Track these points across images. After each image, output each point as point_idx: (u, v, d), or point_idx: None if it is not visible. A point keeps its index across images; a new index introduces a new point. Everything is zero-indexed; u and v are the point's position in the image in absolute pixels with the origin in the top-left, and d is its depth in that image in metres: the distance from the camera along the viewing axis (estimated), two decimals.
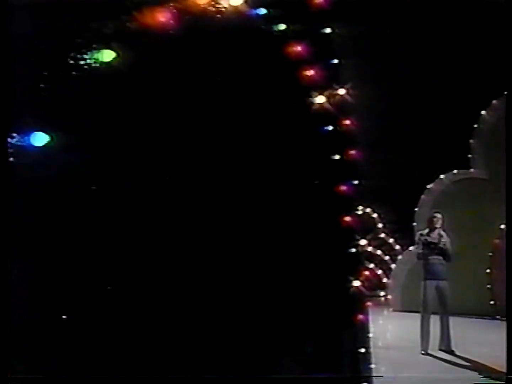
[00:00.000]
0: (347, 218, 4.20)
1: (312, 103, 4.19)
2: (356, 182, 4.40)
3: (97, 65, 3.44)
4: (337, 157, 4.26)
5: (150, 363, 3.40)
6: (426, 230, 9.31)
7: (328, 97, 4.31)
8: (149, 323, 3.44)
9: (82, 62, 3.45)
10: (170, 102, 3.65)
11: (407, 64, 14.79)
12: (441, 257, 9.04)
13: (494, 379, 6.45)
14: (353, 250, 4.25)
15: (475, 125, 14.46)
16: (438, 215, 9.32)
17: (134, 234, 3.51)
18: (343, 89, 4.55)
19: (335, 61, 4.56)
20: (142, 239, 3.52)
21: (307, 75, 4.14)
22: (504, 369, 6.47)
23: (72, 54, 3.44)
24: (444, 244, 9.04)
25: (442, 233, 9.12)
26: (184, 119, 3.68)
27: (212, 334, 3.53)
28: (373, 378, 4.34)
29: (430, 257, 9.06)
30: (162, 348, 3.44)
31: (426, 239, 9.13)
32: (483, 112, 14.33)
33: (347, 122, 4.48)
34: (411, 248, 9.91)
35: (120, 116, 3.53)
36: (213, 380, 3.45)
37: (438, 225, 9.16)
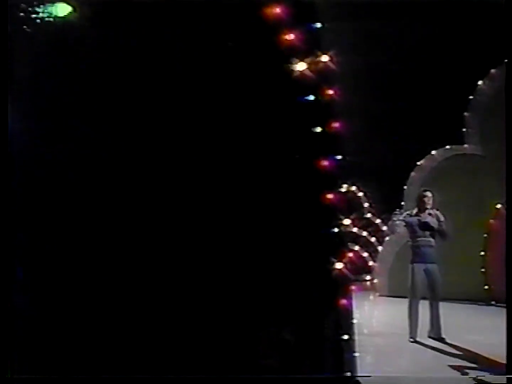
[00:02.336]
0: (330, 196, 4.24)
1: (292, 71, 4.19)
2: (339, 157, 4.42)
3: None
4: (318, 129, 4.28)
5: (143, 360, 3.52)
6: (415, 210, 9.33)
7: (309, 64, 4.31)
8: (139, 321, 3.56)
9: None
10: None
11: (398, 28, 14.68)
12: (431, 239, 9.09)
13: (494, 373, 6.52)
14: (336, 230, 4.28)
15: (471, 97, 14.40)
16: (429, 194, 9.30)
17: (120, 231, 3.64)
18: (326, 55, 4.54)
19: (318, 24, 4.55)
20: (125, 237, 3.65)
21: (286, 40, 4.14)
22: (498, 359, 6.63)
23: None
24: (441, 225, 9.07)
25: (437, 212, 9.14)
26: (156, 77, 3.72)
27: (191, 314, 3.62)
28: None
29: (419, 239, 9.09)
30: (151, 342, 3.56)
31: (419, 220, 9.14)
32: (479, 83, 14.24)
33: (330, 91, 4.49)
34: (398, 230, 9.94)
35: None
36: (213, 380, 3.55)
37: (429, 205, 9.17)
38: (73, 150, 3.85)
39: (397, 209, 9.81)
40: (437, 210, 9.20)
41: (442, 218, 9.10)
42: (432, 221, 9.09)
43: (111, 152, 3.87)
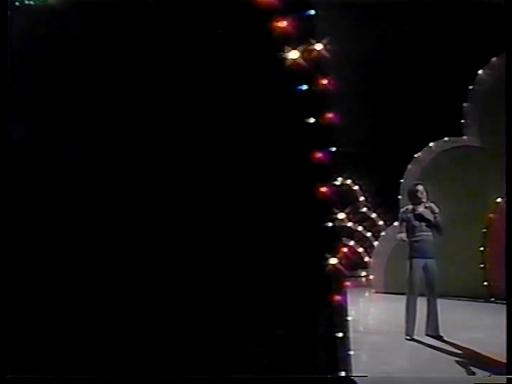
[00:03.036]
0: (324, 189, 4.23)
1: (285, 59, 4.19)
2: (333, 149, 4.41)
3: None
4: (312, 120, 4.27)
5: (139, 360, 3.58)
6: (410, 206, 9.36)
7: (302, 53, 4.30)
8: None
9: None
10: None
11: (395, 15, 14.65)
12: (429, 233, 9.11)
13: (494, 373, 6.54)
14: (330, 224, 4.28)
15: (470, 87, 14.37)
16: (420, 187, 9.34)
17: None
18: (320, 43, 4.53)
19: (312, 11, 4.54)
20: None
21: (279, 27, 4.13)
22: (498, 357, 6.65)
23: None
24: (435, 217, 9.11)
25: (431, 204, 9.17)
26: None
27: (180, 307, 3.66)
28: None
29: (417, 234, 9.12)
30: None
31: (414, 213, 9.16)
32: (479, 72, 14.18)
33: (324, 81, 4.47)
34: (395, 223, 9.93)
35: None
36: (213, 380, 3.58)
37: (423, 198, 9.21)
38: (64, 148, 3.89)
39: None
40: (432, 202, 9.23)
41: (436, 210, 9.12)
42: (428, 214, 9.12)
43: (99, 149, 3.89)
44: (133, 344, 3.76)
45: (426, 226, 9.11)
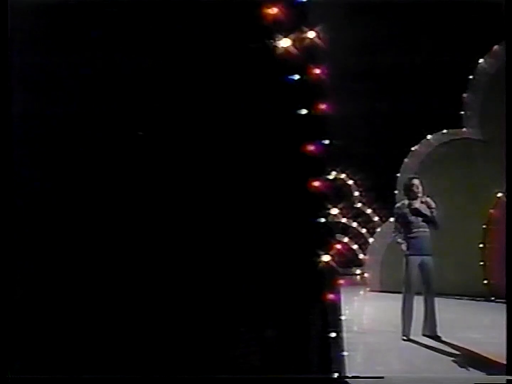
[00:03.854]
0: (316, 184, 4.25)
1: (275, 48, 4.19)
2: (327, 141, 4.42)
3: None
4: (304, 111, 4.28)
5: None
6: (405, 202, 9.39)
7: (294, 41, 4.30)
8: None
9: None
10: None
11: (393, 2, 14.60)
12: (426, 229, 9.15)
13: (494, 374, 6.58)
14: (323, 220, 4.31)
15: (470, 76, 14.32)
16: (416, 181, 9.35)
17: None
18: (313, 31, 4.54)
19: None
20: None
21: (269, 14, 4.13)
22: (498, 358, 6.68)
23: None
24: (432, 212, 9.13)
25: (428, 199, 9.19)
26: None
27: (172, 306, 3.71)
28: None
29: (414, 230, 9.15)
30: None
31: (416, 209, 9.19)
32: (480, 61, 14.11)
33: (317, 71, 4.48)
34: (391, 219, 9.94)
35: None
36: (211, 380, 3.63)
37: (419, 193, 9.24)
38: (63, 148, 3.96)
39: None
40: (428, 197, 9.25)
41: (433, 205, 9.15)
42: (424, 209, 9.16)
43: (95, 149, 3.95)
44: (126, 344, 3.81)
45: (423, 221, 9.14)
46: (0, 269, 3.82)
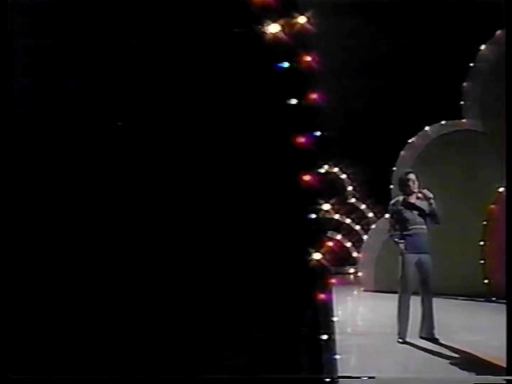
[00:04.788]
0: (307, 178, 4.26)
1: (264, 34, 4.19)
2: (318, 133, 4.43)
3: None
4: (294, 101, 4.29)
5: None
6: (400, 198, 9.40)
7: (284, 27, 4.31)
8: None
9: None
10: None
11: None
12: (423, 226, 9.17)
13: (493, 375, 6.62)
14: (314, 216, 4.32)
15: (471, 64, 14.26)
16: (412, 176, 9.38)
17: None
18: (303, 16, 4.54)
19: None
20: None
21: None
22: (499, 362, 6.72)
23: None
24: (431, 204, 9.13)
25: (425, 191, 9.18)
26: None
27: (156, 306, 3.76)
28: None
29: (410, 227, 9.16)
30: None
31: (411, 203, 9.20)
32: (482, 47, 14.03)
33: (308, 58, 4.49)
34: (387, 215, 9.93)
35: None
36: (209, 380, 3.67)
37: (415, 188, 9.26)
38: (63, 147, 4.04)
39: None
40: (425, 188, 9.24)
41: (431, 195, 9.15)
42: (421, 203, 9.18)
43: (90, 149, 4.02)
44: (115, 344, 3.88)
45: (420, 216, 9.16)
46: (0, 269, 3.94)
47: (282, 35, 4.26)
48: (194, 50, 3.93)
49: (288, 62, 4.29)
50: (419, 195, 9.21)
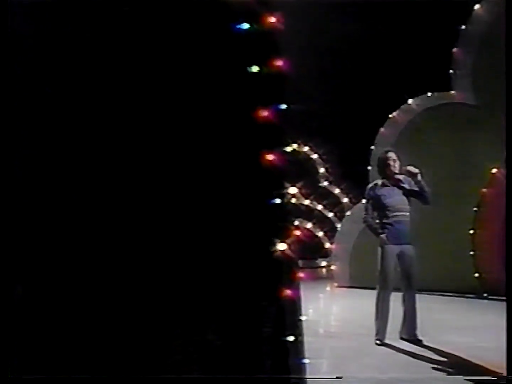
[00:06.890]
0: (271, 157, 4.26)
1: None
2: (284, 106, 4.43)
3: None
4: (256, 69, 4.29)
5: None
6: (379, 181, 9.43)
7: None
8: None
9: None
10: None
11: None
12: (406, 213, 9.20)
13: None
14: (279, 201, 4.32)
15: (462, 27, 14.19)
16: (392, 155, 9.40)
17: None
18: None
19: None
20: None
21: None
22: (491, 366, 6.84)
23: None
24: (418, 182, 9.12)
25: (408, 168, 9.15)
26: None
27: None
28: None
29: (390, 214, 9.16)
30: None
31: (392, 187, 9.21)
32: (476, 7, 13.89)
33: (272, 19, 4.48)
34: (364, 201, 9.93)
35: None
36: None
37: (396, 169, 9.26)
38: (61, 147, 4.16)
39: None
40: (409, 165, 9.21)
41: (416, 170, 9.14)
42: (404, 182, 9.18)
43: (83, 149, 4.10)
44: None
45: (402, 202, 9.20)
46: (0, 269, 4.06)
47: None
48: (156, 11, 3.96)
49: (249, 23, 4.28)
50: (400, 177, 9.22)
